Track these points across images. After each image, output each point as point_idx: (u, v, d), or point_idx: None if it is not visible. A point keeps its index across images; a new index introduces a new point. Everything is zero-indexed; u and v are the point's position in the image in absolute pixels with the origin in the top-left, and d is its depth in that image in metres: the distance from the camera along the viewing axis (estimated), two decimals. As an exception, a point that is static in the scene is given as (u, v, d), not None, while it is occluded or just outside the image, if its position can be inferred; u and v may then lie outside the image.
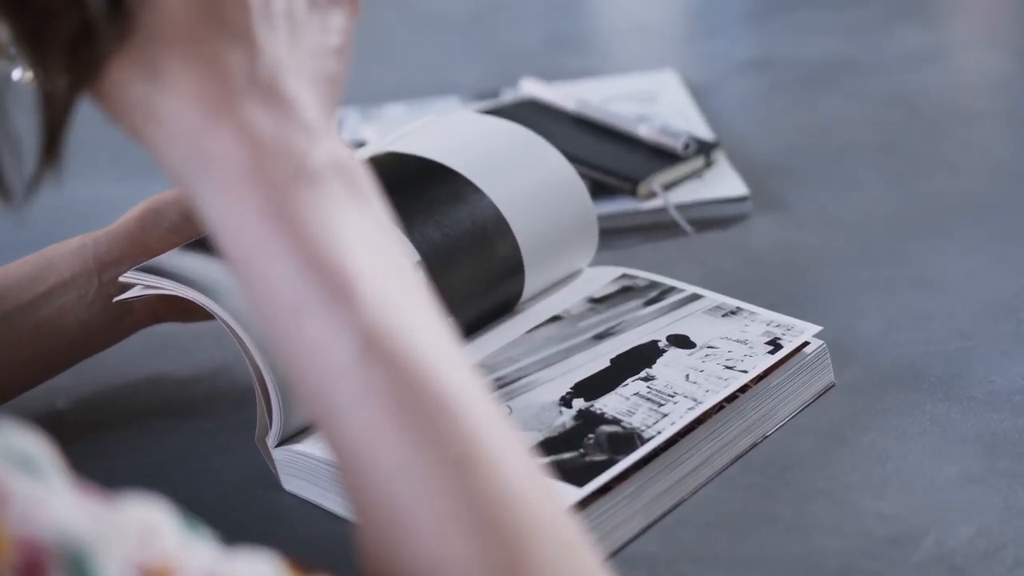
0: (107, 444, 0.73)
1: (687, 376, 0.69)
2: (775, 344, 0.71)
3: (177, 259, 0.69)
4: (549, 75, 1.16)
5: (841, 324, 0.78)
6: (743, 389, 0.68)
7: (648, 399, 0.67)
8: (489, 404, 0.46)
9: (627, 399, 0.67)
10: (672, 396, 0.67)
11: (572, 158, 0.81)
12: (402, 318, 0.45)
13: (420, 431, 0.44)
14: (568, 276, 0.81)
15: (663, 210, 0.95)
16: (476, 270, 0.74)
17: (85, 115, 0.46)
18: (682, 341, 0.72)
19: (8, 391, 0.74)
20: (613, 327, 0.74)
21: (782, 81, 1.21)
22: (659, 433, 0.64)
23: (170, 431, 0.74)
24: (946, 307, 0.80)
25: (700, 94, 1.16)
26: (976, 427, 0.69)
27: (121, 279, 0.69)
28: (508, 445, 0.45)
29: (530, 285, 0.77)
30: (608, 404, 0.67)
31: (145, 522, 0.37)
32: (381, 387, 0.44)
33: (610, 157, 0.99)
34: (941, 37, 1.35)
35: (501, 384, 0.70)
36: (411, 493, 0.43)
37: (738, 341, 0.71)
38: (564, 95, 1.09)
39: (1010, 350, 0.75)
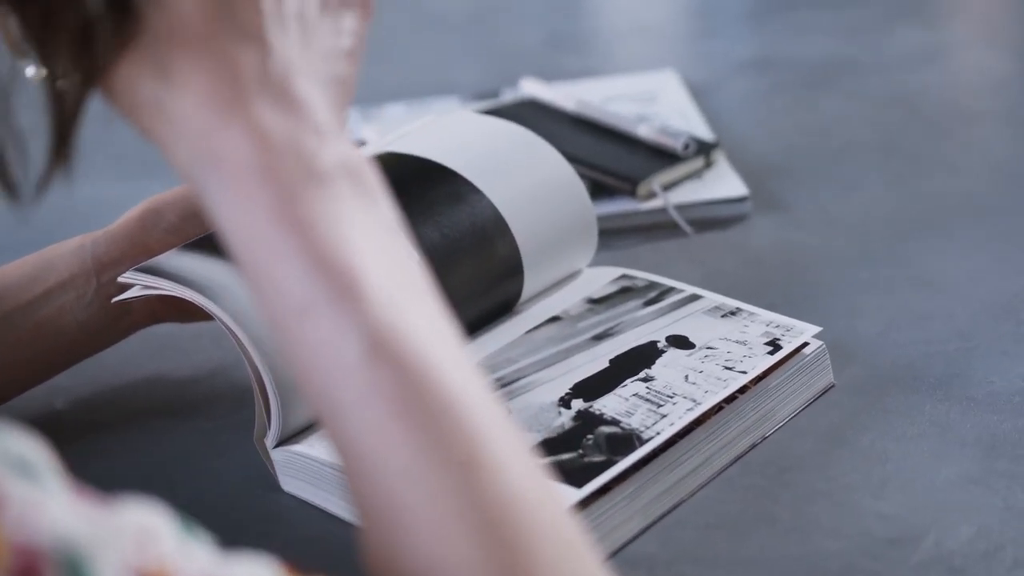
0: (106, 444, 0.73)
1: (686, 377, 0.69)
2: (774, 345, 0.71)
3: (176, 260, 0.69)
4: (549, 75, 1.16)
5: (841, 324, 0.78)
6: (742, 390, 0.68)
7: (647, 400, 0.67)
8: (493, 406, 0.46)
9: (626, 400, 0.67)
10: (671, 397, 0.67)
11: (572, 158, 0.81)
12: (409, 319, 0.45)
13: (425, 432, 0.44)
14: (567, 276, 0.81)
15: (663, 210, 0.94)
16: (475, 270, 0.74)
17: (85, 115, 0.46)
18: (681, 342, 0.72)
19: (7, 391, 0.74)
20: (612, 328, 0.74)
21: (782, 81, 1.21)
22: (658, 434, 0.64)
23: (169, 431, 0.74)
24: (946, 307, 0.80)
25: (700, 94, 1.16)
26: (976, 428, 0.69)
27: (120, 279, 0.69)
28: (512, 447, 0.45)
29: (529, 286, 0.77)
30: (607, 405, 0.67)
31: (142, 526, 0.37)
32: (387, 388, 0.44)
33: (610, 157, 0.99)
34: (941, 37, 1.35)
35: (500, 385, 0.69)
36: (415, 494, 0.43)
37: (737, 342, 0.71)
38: (564, 95, 1.09)
39: (1010, 351, 0.75)
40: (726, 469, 0.67)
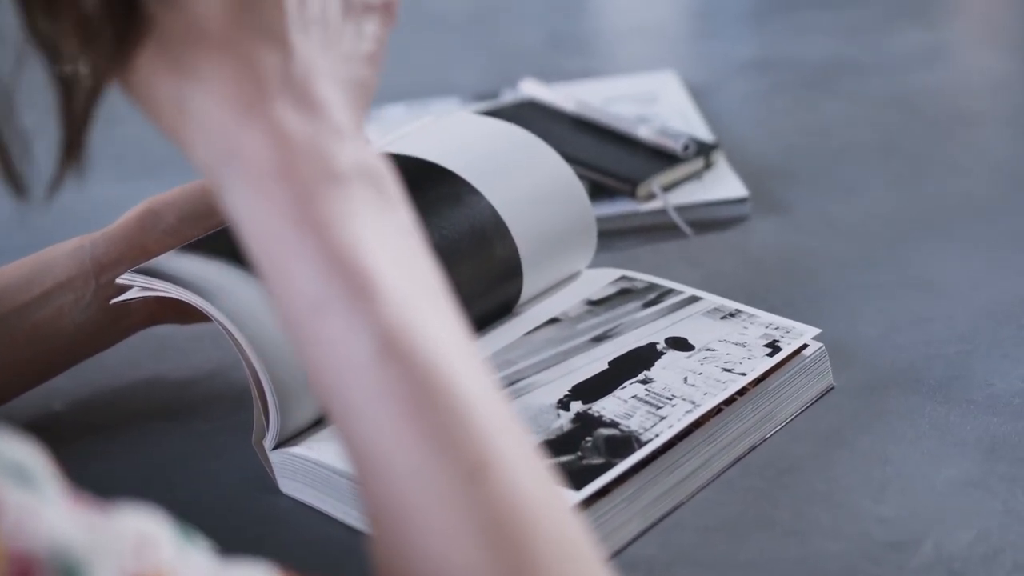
0: (104, 446, 0.73)
1: (685, 379, 0.69)
2: (774, 346, 0.71)
3: (175, 261, 0.68)
4: (549, 76, 1.16)
5: (841, 326, 0.78)
6: (742, 392, 0.68)
7: (646, 402, 0.67)
8: (504, 408, 0.46)
9: (625, 402, 0.67)
10: (670, 399, 0.67)
11: (571, 159, 0.81)
12: (422, 320, 0.46)
13: (435, 433, 0.44)
14: (567, 278, 0.81)
15: (662, 212, 0.94)
16: (474, 272, 0.74)
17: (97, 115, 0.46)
18: (681, 343, 0.72)
19: (5, 393, 0.74)
20: (611, 329, 0.74)
21: (782, 82, 1.21)
22: (657, 436, 0.64)
23: (167, 433, 0.74)
24: (946, 310, 0.80)
25: (700, 95, 1.16)
26: (976, 430, 0.68)
27: (118, 281, 0.69)
28: (520, 449, 0.46)
29: (528, 287, 0.77)
30: (606, 407, 0.67)
31: (140, 532, 0.37)
32: (398, 387, 0.44)
33: (609, 158, 0.99)
34: (941, 37, 1.35)
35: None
36: (424, 495, 0.44)
37: (737, 343, 0.71)
38: (564, 96, 1.09)
39: (1010, 353, 0.75)
40: (725, 471, 0.67)
